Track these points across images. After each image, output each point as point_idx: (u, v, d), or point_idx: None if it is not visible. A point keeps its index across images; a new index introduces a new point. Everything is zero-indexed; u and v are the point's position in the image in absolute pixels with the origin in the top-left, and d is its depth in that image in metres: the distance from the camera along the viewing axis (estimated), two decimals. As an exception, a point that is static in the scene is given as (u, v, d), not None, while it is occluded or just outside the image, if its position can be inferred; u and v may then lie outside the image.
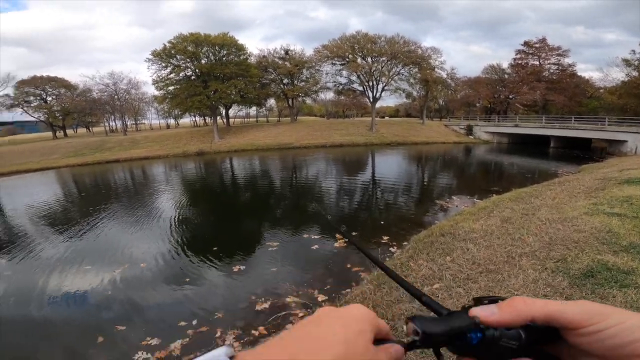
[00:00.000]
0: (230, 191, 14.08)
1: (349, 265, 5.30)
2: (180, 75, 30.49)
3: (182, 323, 3.99)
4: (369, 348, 0.29)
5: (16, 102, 40.45)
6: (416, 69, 34.02)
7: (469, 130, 33.29)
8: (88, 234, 8.10)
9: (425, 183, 14.00)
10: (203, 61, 30.18)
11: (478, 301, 0.35)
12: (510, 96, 40.74)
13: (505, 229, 4.84)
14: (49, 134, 45.00)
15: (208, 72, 29.54)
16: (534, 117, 35.12)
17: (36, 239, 7.97)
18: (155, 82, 30.34)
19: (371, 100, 35.00)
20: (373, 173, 17.04)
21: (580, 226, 4.50)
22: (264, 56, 36.97)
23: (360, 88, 35.98)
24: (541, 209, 5.76)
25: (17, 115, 43.25)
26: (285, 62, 36.91)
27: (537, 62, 39.68)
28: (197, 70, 29.92)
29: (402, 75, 34.67)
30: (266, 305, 4.23)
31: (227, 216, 9.75)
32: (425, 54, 33.87)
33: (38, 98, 41.62)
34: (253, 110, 54.44)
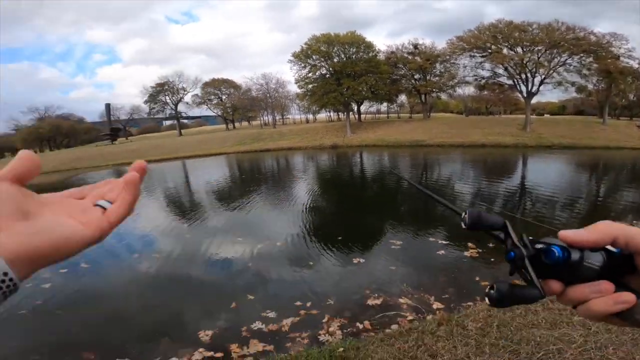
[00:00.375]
0: (358, 184, 14.57)
1: (477, 278, 4.71)
2: (317, 74, 33.30)
3: (297, 303, 4.24)
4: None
5: (202, 100, 52.79)
6: (590, 58, 26.78)
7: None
8: (242, 210, 9.88)
9: (599, 198, 10.98)
10: (335, 60, 32.00)
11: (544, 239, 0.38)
12: None
13: None
14: (224, 126, 56.85)
15: (340, 70, 31.19)
16: None
17: (206, 209, 10.27)
18: (297, 81, 34.16)
19: (525, 95, 29.61)
20: (523, 180, 14.47)
21: None
22: (392, 52, 36.18)
23: (510, 82, 30.87)
24: None
25: (203, 110, 56.49)
26: (415, 57, 35.15)
27: None
28: (330, 69, 31.99)
29: (570, 65, 27.90)
30: (377, 301, 4.18)
31: (353, 207, 10.14)
32: (602, 40, 26.26)
33: (216, 97, 53.12)
34: (384, 107, 54.35)
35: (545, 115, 57.09)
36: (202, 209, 10.28)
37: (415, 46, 35.95)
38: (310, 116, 67.02)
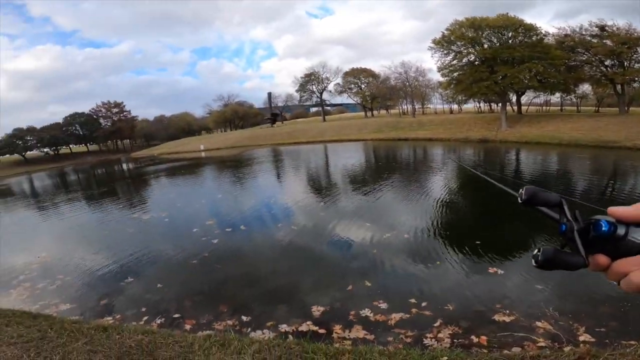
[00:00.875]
0: (508, 186, 12.59)
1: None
2: (463, 61, 29.67)
3: (412, 300, 4.10)
4: None
5: (343, 89, 56.17)
6: None
7: None
8: (374, 196, 10.17)
9: None
10: (485, 45, 27.62)
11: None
12: None
13: None
14: (362, 114, 58.81)
15: (493, 56, 26.82)
16: None
17: (341, 191, 11.03)
18: (439, 69, 31.40)
19: None
20: None
21: None
22: (566, 35, 28.29)
23: None
24: None
25: (344, 98, 59.86)
26: (604, 40, 26.49)
27: None
28: (480, 56, 27.87)
29: None
30: (507, 318, 3.64)
31: (495, 211, 8.92)
32: None
33: (356, 85, 55.26)
34: (556, 98, 43.97)
35: None
36: (337, 190, 11.16)
37: (602, 28, 27.36)
38: (455, 106, 61.19)
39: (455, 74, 30.94)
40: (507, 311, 3.85)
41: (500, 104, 31.07)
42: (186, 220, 8.87)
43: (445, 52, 30.97)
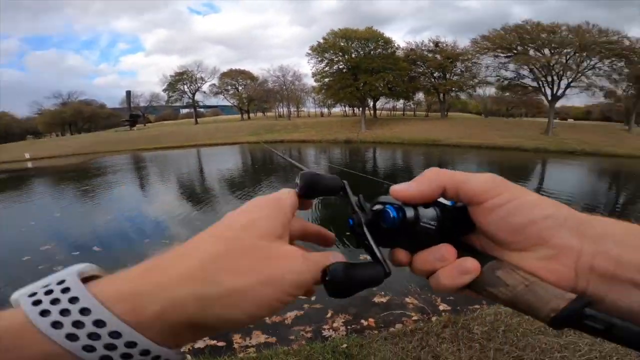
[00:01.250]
0: (366, 180, 14.47)
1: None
2: (334, 68, 33.22)
3: (303, 297, 4.34)
4: (262, 240, 0.26)
5: (219, 90, 53.55)
6: (622, 63, 25.70)
7: None
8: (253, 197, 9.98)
9: (617, 207, 10.58)
10: (353, 55, 31.72)
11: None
12: None
13: None
14: (238, 116, 57.44)
15: (357, 65, 30.97)
16: None
17: (218, 196, 10.42)
18: (314, 75, 34.20)
19: (549, 98, 28.70)
20: (540, 185, 14.07)
21: None
22: (411, 49, 35.70)
23: (534, 84, 29.94)
24: None
25: (219, 100, 57.23)
26: (436, 55, 34.61)
27: None
28: (347, 64, 31.78)
29: (600, 69, 26.86)
30: (384, 299, 4.15)
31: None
32: (635, 45, 25.15)
33: (233, 87, 53.71)
34: (400, 104, 53.81)
35: (569, 120, 55.25)
36: (214, 195, 10.44)
37: (437, 44, 35.35)
38: (325, 110, 66.89)
39: (327, 80, 33.82)
40: (383, 293, 4.31)
41: (360, 109, 35.54)
42: (10, 248, 6.64)
43: (319, 59, 33.46)
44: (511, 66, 30.40)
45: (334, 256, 0.30)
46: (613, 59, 25.79)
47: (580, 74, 27.01)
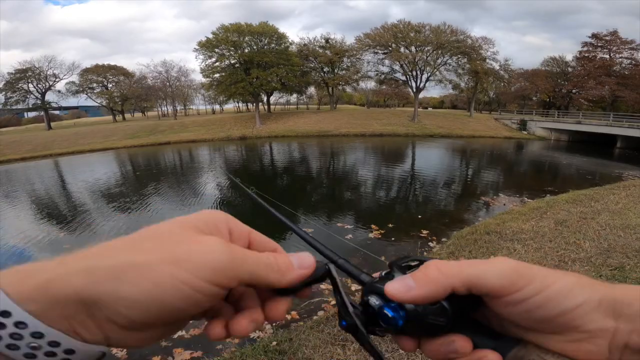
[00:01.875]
0: (269, 175, 14.47)
1: (383, 258, 5.24)
2: (225, 63, 31.72)
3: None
4: (181, 228, 0.24)
5: (81, 89, 44.57)
6: (465, 60, 32.20)
7: (523, 125, 30.91)
8: (140, 211, 8.80)
9: (469, 178, 13.32)
10: (245, 50, 30.97)
11: (394, 266, 0.30)
12: (574, 91, 37.20)
13: (559, 231, 4.48)
14: (110, 117, 49.12)
15: (250, 60, 30.36)
16: (599, 114, 31.75)
17: (91, 213, 8.83)
18: (202, 71, 31.89)
19: (414, 90, 33.79)
20: (413, 165, 16.54)
21: (646, 234, 4.05)
22: (304, 44, 37.09)
23: (403, 78, 34.90)
24: (602, 213, 5.24)
25: (82, 100, 47.74)
26: (326, 51, 36.80)
27: (607, 56, 35.82)
28: (239, 59, 30.83)
29: (449, 65, 33.09)
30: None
31: (265, 200, 10.04)
32: (475, 44, 31.92)
33: (100, 85, 45.51)
34: (293, 98, 55.10)
35: (429, 108, 66.18)
36: (86, 212, 8.76)
37: (327, 40, 37.37)
38: (217, 107, 63.45)
39: (217, 75, 31.81)
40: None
41: (254, 104, 34.91)
42: None
43: (209, 54, 31.06)
44: (386, 62, 34.72)
45: (276, 255, 0.28)
46: (459, 55, 31.92)
47: (435, 69, 32.58)
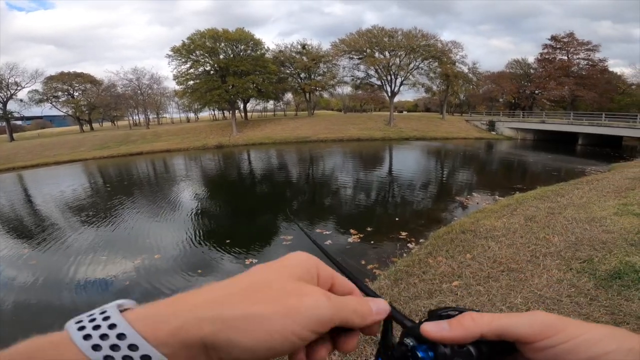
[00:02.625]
0: (247, 184, 14.27)
1: (363, 262, 5.26)
2: (199, 70, 31.05)
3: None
4: (289, 279, 0.28)
5: (45, 97, 42.26)
6: (436, 63, 33.26)
7: (491, 126, 32.29)
8: (111, 225, 8.41)
9: (444, 179, 13.70)
10: (221, 56, 30.51)
11: (434, 315, 0.33)
12: (537, 91, 39.23)
13: (529, 227, 4.67)
14: (77, 127, 46.84)
15: (226, 67, 29.90)
16: (561, 113, 33.68)
17: (64, 228, 8.36)
18: (175, 77, 31.03)
19: (389, 94, 34.50)
20: (390, 168, 16.82)
21: (608, 227, 4.31)
22: (280, 51, 37.07)
23: (378, 82, 35.54)
24: (568, 208, 5.52)
25: (46, 110, 45.28)
26: (302, 57, 36.93)
27: (566, 57, 37.96)
28: (215, 65, 30.33)
29: (421, 69, 34.05)
30: None
31: (242, 208, 9.88)
32: (445, 47, 33.04)
33: (66, 93, 43.34)
34: (271, 104, 54.83)
35: (404, 112, 67.75)
36: (53, 229, 8.25)
37: (304, 46, 37.44)
38: (192, 115, 62.11)
39: (191, 83, 31.04)
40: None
41: (230, 112, 34.40)
42: None
43: (183, 60, 30.30)
44: (362, 67, 35.24)
45: (360, 302, 0.31)
46: (430, 59, 32.95)
47: (409, 73, 33.45)
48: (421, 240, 5.65)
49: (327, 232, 6.84)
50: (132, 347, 0.22)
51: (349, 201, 10.07)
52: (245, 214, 9.08)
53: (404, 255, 4.94)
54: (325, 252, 0.44)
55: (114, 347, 0.22)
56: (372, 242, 6.17)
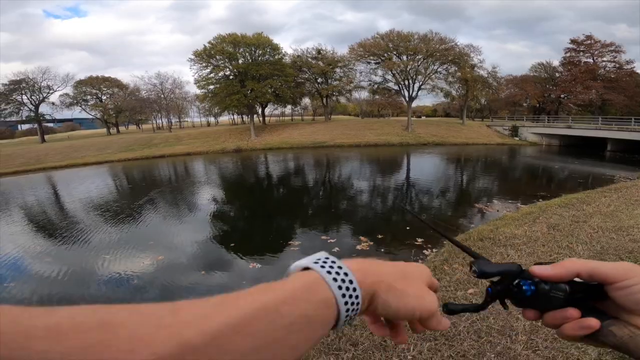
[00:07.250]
0: (264, 188, 14.44)
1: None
2: (219, 74, 31.79)
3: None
4: (422, 281, 0.40)
5: (75, 101, 44.46)
6: (455, 68, 32.67)
7: (514, 132, 31.32)
8: (136, 224, 8.72)
9: (463, 186, 13.40)
10: (240, 61, 31.12)
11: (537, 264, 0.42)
12: (562, 96, 37.82)
13: (552, 235, 4.50)
14: (104, 130, 48.94)
15: (245, 71, 30.47)
16: (588, 117, 32.29)
17: (90, 227, 8.73)
18: (197, 82, 31.95)
19: (407, 99, 34.16)
20: (408, 174, 16.61)
21: (636, 236, 4.11)
22: (298, 56, 37.44)
23: (396, 87, 35.28)
24: (594, 216, 5.29)
25: (76, 112, 47.60)
26: (319, 62, 37.15)
27: (591, 60, 36.41)
28: (234, 70, 30.98)
29: (440, 73, 33.52)
30: None
31: (256, 213, 10.00)
32: (463, 51, 32.42)
33: (94, 97, 45.45)
34: (288, 109, 55.31)
35: (422, 117, 66.84)
36: (82, 226, 8.62)
37: (319, 51, 37.73)
38: (212, 119, 63.57)
39: (212, 87, 31.86)
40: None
41: (249, 116, 35.02)
42: None
43: (204, 64, 31.20)
44: (379, 71, 35.14)
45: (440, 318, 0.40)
46: (448, 64, 32.43)
47: (427, 78, 33.04)
48: (438, 247, 5.54)
49: (337, 239, 6.83)
50: (354, 290, 0.32)
51: (365, 207, 10.01)
52: (258, 219, 9.18)
53: (420, 261, 4.86)
54: (445, 235, 0.58)
55: (349, 290, 0.31)
56: (382, 249, 6.11)
